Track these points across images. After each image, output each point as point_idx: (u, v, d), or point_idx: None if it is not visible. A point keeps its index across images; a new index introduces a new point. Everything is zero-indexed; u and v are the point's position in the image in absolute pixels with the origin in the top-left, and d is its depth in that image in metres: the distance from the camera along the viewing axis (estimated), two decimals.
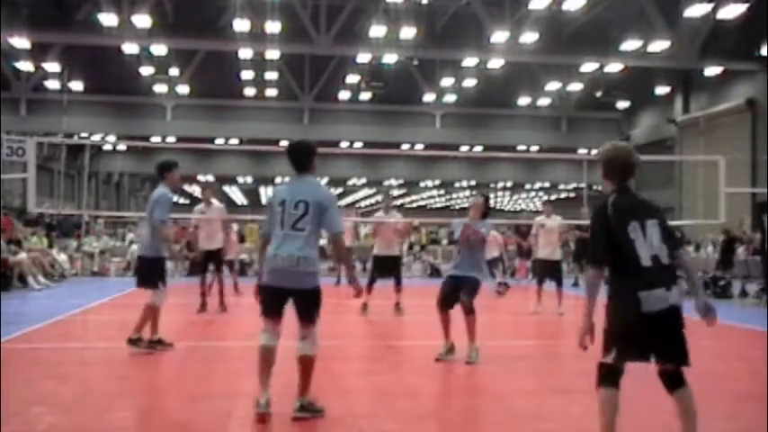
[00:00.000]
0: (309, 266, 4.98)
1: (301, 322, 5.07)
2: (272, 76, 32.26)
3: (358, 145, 37.39)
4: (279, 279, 4.98)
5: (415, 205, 63.55)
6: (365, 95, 33.81)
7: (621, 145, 4.76)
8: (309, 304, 5.08)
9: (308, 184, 5.13)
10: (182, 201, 72.12)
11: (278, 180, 52.95)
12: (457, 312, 7.73)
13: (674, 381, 4.06)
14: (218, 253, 11.85)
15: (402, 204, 65.22)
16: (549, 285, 12.26)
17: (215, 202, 12.26)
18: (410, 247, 24.95)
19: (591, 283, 4.11)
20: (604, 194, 4.27)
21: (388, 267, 12.29)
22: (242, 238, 22.89)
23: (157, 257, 8.04)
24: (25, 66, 29.75)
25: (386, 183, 53.42)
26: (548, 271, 12.43)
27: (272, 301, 5.08)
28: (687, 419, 4.12)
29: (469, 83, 31.26)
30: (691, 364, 4.03)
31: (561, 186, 50.93)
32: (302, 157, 5.24)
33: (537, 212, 66.55)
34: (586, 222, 11.49)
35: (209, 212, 11.86)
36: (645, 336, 3.95)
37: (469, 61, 27.85)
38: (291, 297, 5.02)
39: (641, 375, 4.41)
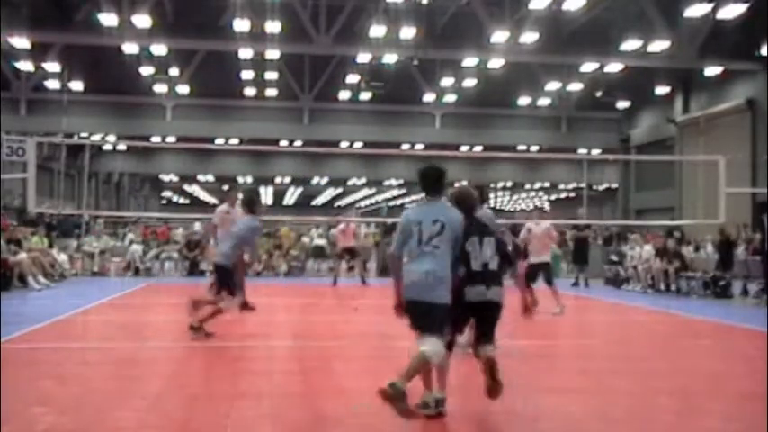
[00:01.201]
0: (443, 282, 5.24)
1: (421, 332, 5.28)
2: (272, 75, 32.24)
3: (358, 145, 37.38)
4: (417, 293, 5.25)
5: (414, 205, 63.54)
6: (365, 95, 33.79)
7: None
8: (439, 316, 5.23)
9: (442, 206, 5.46)
10: (181, 201, 72.40)
11: (278, 180, 53.13)
12: None
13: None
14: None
15: (402, 204, 65.28)
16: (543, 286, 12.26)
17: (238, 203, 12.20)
18: None
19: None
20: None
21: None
22: None
23: (232, 267, 9.31)
24: (25, 66, 29.74)
25: (386, 183, 53.47)
26: (537, 273, 12.38)
27: (416, 314, 5.31)
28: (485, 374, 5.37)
29: (469, 83, 31.25)
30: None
31: (561, 186, 50.97)
32: (436, 182, 5.54)
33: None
34: (583, 222, 11.54)
35: (233, 213, 11.73)
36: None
37: (469, 61, 27.83)
38: (425, 309, 5.22)
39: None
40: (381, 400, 4.83)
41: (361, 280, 18.43)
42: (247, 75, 31.88)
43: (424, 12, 26.20)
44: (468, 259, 5.32)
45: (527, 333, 10.61)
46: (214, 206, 12.68)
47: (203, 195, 67.25)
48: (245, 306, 11.62)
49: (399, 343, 9.32)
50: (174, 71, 31.59)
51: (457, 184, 6.21)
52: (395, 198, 61.70)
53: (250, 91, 34.30)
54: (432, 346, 5.12)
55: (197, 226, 23.85)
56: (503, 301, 5.38)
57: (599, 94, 31.63)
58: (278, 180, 53.64)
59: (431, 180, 5.53)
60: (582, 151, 38.29)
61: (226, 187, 60.17)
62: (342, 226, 19.41)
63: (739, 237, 17.88)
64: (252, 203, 9.65)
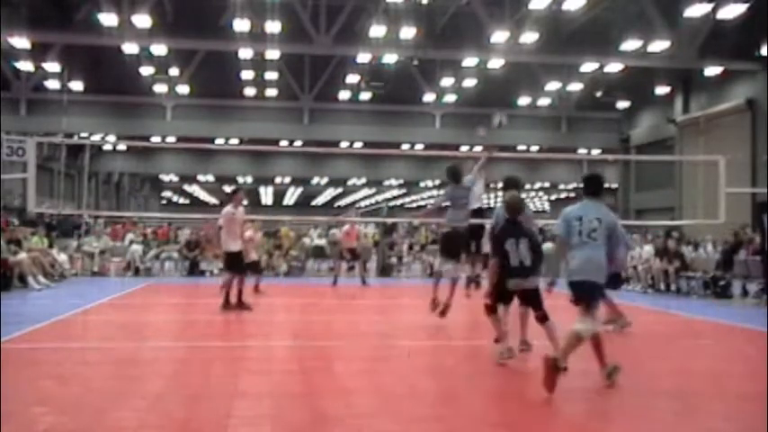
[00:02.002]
0: (600, 267, 6.41)
1: (582, 308, 6.37)
2: (272, 75, 32.23)
3: (358, 145, 37.36)
4: (580, 275, 6.36)
5: (415, 205, 63.58)
6: (365, 95, 33.79)
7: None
8: (594, 293, 6.43)
9: (600, 207, 6.59)
10: (181, 201, 72.39)
11: (278, 180, 53.14)
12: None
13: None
14: (240, 254, 11.93)
15: (403, 204, 65.30)
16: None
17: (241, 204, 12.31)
18: (410, 247, 24.98)
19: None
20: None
21: None
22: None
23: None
24: (25, 66, 29.73)
25: (386, 183, 53.46)
26: None
27: (579, 292, 6.40)
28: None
29: (469, 83, 31.25)
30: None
31: (561, 186, 50.95)
32: (597, 187, 6.71)
33: (539, 212, 66.68)
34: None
35: (237, 214, 11.86)
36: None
37: (469, 61, 27.82)
38: (587, 287, 6.37)
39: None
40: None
41: (362, 280, 18.45)
42: (247, 75, 31.88)
43: (423, 12, 26.20)
44: (509, 256, 6.98)
45: (526, 334, 10.60)
46: (214, 206, 12.72)
47: (203, 195, 67.27)
48: (242, 305, 11.65)
49: (399, 343, 9.34)
50: (174, 71, 31.57)
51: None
52: (395, 198, 61.68)
53: (250, 91, 34.29)
54: (584, 325, 6.21)
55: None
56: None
57: (599, 94, 31.63)
58: (278, 180, 53.66)
59: (595, 185, 6.71)
60: (582, 151, 38.27)
61: (228, 188, 60.54)
62: (347, 227, 19.41)
63: (743, 238, 17.88)
64: None
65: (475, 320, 10.83)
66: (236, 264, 11.75)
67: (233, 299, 11.66)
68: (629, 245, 8.89)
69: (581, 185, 6.88)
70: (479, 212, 11.10)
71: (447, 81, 31.99)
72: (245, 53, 27.30)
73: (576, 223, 6.45)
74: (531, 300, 7.16)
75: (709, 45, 25.40)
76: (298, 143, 37.23)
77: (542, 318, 7.01)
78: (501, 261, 7.11)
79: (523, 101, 35.86)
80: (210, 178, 52.37)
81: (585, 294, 6.34)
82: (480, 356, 8.38)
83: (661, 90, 31.29)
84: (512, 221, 7.23)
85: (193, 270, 21.03)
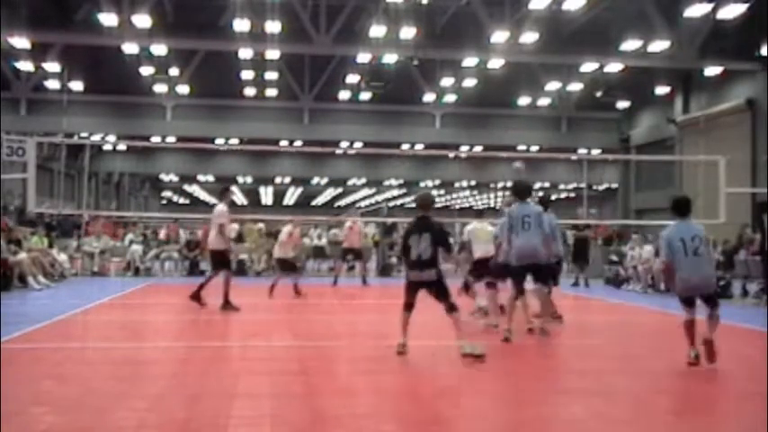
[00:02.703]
0: (712, 277, 7.80)
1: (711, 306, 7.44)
2: (272, 75, 32.22)
3: (358, 145, 37.37)
4: (699, 287, 7.41)
5: (414, 205, 63.60)
6: (365, 95, 33.77)
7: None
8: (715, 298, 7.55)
9: (693, 225, 7.56)
10: (181, 201, 72.38)
11: (278, 180, 53.13)
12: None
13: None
14: (227, 252, 12.16)
15: (403, 204, 65.26)
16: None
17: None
18: None
19: None
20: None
21: None
22: (240, 238, 22.86)
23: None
24: (25, 66, 29.71)
25: (386, 183, 53.45)
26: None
27: (689, 298, 7.46)
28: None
29: (469, 83, 31.24)
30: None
31: (561, 186, 50.93)
32: (687, 208, 7.62)
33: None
34: (582, 222, 11.78)
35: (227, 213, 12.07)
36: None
37: (469, 61, 27.81)
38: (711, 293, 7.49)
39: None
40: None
41: (362, 280, 18.41)
42: (247, 75, 31.87)
43: (423, 12, 26.18)
44: (410, 251, 7.51)
45: (526, 333, 10.60)
46: (214, 206, 12.75)
47: (203, 195, 67.27)
48: (228, 305, 11.72)
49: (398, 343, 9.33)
50: (174, 71, 31.56)
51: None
52: (395, 198, 61.65)
53: (250, 91, 34.28)
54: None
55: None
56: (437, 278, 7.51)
57: (599, 94, 31.60)
58: (278, 180, 53.67)
59: (685, 206, 7.62)
60: (582, 151, 38.26)
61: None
62: (349, 223, 19.19)
63: (745, 239, 17.89)
64: None
65: (471, 320, 10.83)
66: (224, 262, 11.94)
67: (205, 297, 11.82)
68: (555, 236, 10.13)
69: (672, 208, 7.74)
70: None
71: (447, 81, 31.99)
72: (245, 53, 27.29)
73: (678, 245, 7.39)
74: (434, 291, 7.54)
75: (709, 45, 25.40)
76: (298, 143, 37.23)
77: (450, 308, 7.50)
78: (403, 255, 7.82)
79: (523, 101, 35.86)
80: (210, 178, 52.37)
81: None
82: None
83: (661, 90, 31.28)
84: (421, 217, 7.67)
85: (193, 270, 21.02)
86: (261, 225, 23.06)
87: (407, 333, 7.68)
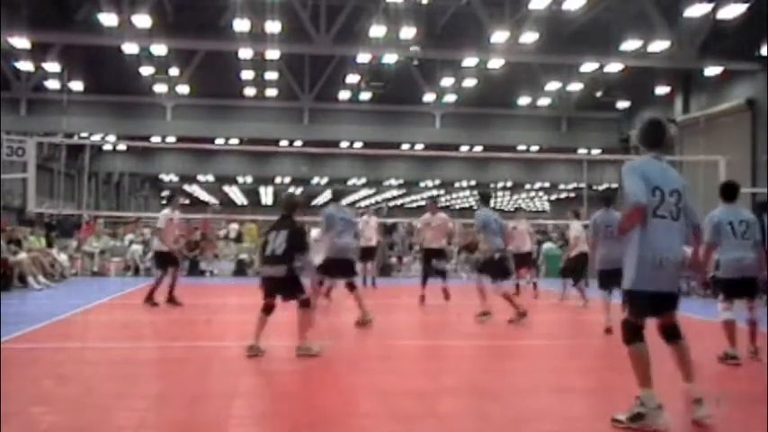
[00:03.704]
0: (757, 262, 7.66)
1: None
2: (271, 75, 32.22)
3: (358, 145, 37.33)
4: (747, 272, 7.51)
5: (415, 205, 63.58)
6: (365, 95, 33.76)
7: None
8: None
9: (743, 210, 7.75)
10: (181, 201, 72.30)
11: (278, 180, 53.10)
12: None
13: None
14: (171, 254, 12.93)
15: (403, 204, 65.28)
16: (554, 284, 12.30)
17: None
18: (410, 248, 24.99)
19: None
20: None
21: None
22: (239, 238, 22.88)
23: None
24: (25, 66, 29.67)
25: (386, 183, 53.44)
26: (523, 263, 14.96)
27: (741, 288, 7.59)
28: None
29: (469, 83, 31.22)
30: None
31: (561, 186, 50.94)
32: (735, 193, 7.77)
33: (539, 212, 66.70)
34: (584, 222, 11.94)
35: (175, 218, 13.10)
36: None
37: (469, 61, 27.79)
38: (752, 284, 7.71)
39: None
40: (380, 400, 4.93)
41: (371, 281, 17.88)
42: (247, 75, 31.86)
43: (423, 11, 26.19)
44: (266, 247, 7.56)
45: (528, 333, 10.61)
46: (213, 206, 13.26)
47: (204, 195, 67.25)
48: (172, 300, 12.45)
49: (399, 342, 9.34)
50: (173, 71, 31.55)
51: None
52: (395, 198, 61.62)
53: (250, 91, 34.28)
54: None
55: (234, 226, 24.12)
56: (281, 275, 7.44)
57: (599, 94, 31.60)
58: (278, 180, 53.64)
59: (732, 191, 7.75)
60: (582, 151, 38.26)
61: (226, 188, 60.53)
62: (365, 218, 17.67)
63: None
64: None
65: (472, 321, 10.84)
66: (168, 261, 12.73)
67: (158, 295, 12.45)
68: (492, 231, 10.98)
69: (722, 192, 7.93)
70: None
71: (447, 81, 31.98)
72: (245, 53, 27.28)
73: (727, 228, 7.52)
74: (281, 288, 7.55)
75: (709, 45, 25.39)
76: (298, 143, 37.22)
77: (301, 303, 7.59)
78: (260, 252, 7.91)
79: (523, 101, 35.84)
80: (210, 178, 52.34)
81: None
82: (478, 355, 8.39)
83: (661, 90, 31.27)
84: (283, 216, 7.81)
85: (193, 270, 21.03)
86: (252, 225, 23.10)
87: (261, 336, 7.54)
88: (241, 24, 23.90)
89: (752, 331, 7.75)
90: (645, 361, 5.02)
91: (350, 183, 55.08)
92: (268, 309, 7.64)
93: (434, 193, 56.70)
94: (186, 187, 63.17)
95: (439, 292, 12.83)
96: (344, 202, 61.50)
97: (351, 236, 10.28)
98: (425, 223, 13.91)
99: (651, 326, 5.12)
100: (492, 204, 11.02)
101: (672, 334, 5.17)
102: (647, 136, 5.45)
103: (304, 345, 7.41)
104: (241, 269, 21.44)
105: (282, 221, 7.76)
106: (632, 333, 5.02)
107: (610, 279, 9.15)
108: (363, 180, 52.93)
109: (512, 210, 17.06)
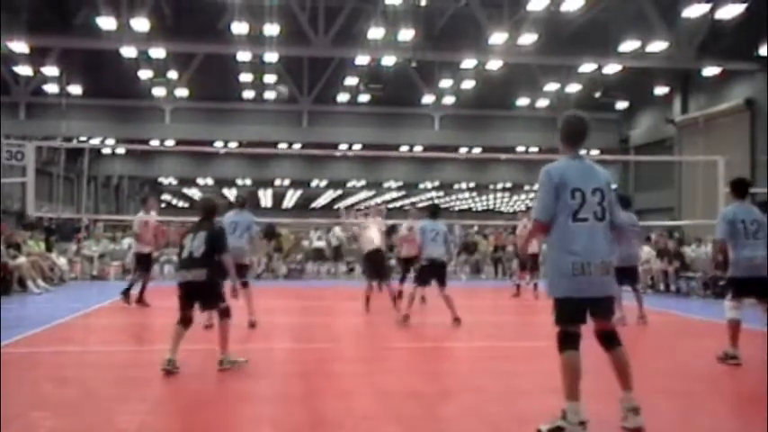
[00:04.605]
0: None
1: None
2: (270, 78, 32.25)
3: (357, 147, 37.37)
4: (754, 268, 7.40)
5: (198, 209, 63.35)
6: (364, 98, 33.79)
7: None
8: None
9: (754, 209, 7.55)
10: (180, 204, 72.30)
11: (277, 182, 53.11)
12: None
13: None
14: (150, 256, 13.64)
15: (402, 206, 65.23)
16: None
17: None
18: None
19: None
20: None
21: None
22: None
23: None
24: (24, 70, 29.73)
25: (385, 185, 53.44)
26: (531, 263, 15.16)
27: (759, 287, 7.62)
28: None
29: (468, 84, 31.26)
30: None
31: None
32: (746, 190, 7.65)
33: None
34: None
35: (150, 220, 13.54)
36: None
37: (468, 63, 27.84)
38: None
39: None
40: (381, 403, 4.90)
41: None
42: (246, 77, 31.88)
43: (422, 13, 26.21)
44: (182, 250, 7.06)
45: (528, 334, 10.61)
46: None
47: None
48: (141, 301, 12.88)
49: (399, 344, 9.34)
50: (172, 74, 31.59)
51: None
52: (394, 200, 61.60)
53: (249, 94, 34.30)
54: None
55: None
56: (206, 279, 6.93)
57: (598, 94, 31.62)
58: (277, 183, 53.65)
59: (745, 187, 7.66)
60: (581, 152, 38.26)
61: (226, 191, 60.47)
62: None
63: None
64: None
65: (472, 322, 10.85)
66: (145, 264, 13.26)
67: (147, 295, 12.88)
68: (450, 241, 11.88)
69: (732, 189, 7.88)
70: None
71: (446, 83, 32.01)
72: (244, 56, 27.30)
73: (740, 226, 7.41)
74: (201, 295, 7.02)
75: (707, 45, 25.41)
76: (297, 146, 37.24)
77: (219, 314, 7.09)
78: (177, 257, 7.44)
79: (522, 102, 35.88)
80: (210, 181, 52.34)
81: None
82: (478, 357, 8.39)
83: (660, 90, 31.30)
84: (203, 219, 7.31)
85: None
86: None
87: (178, 348, 6.84)
88: (239, 27, 23.92)
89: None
90: (574, 371, 4.77)
91: (349, 185, 55.08)
92: (186, 321, 7.01)
93: (434, 194, 56.73)
94: (185, 190, 63.18)
95: (435, 293, 12.72)
96: (344, 203, 61.81)
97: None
98: (405, 233, 14.03)
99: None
100: (437, 217, 11.47)
101: (609, 341, 4.92)
102: (565, 134, 5.16)
103: (227, 357, 6.89)
104: (240, 271, 21.49)
105: (201, 224, 7.24)
106: (563, 340, 4.81)
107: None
108: (363, 182, 52.93)
109: (522, 210, 17.21)
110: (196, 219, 7.53)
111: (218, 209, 7.58)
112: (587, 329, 5.00)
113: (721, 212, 7.62)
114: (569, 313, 4.79)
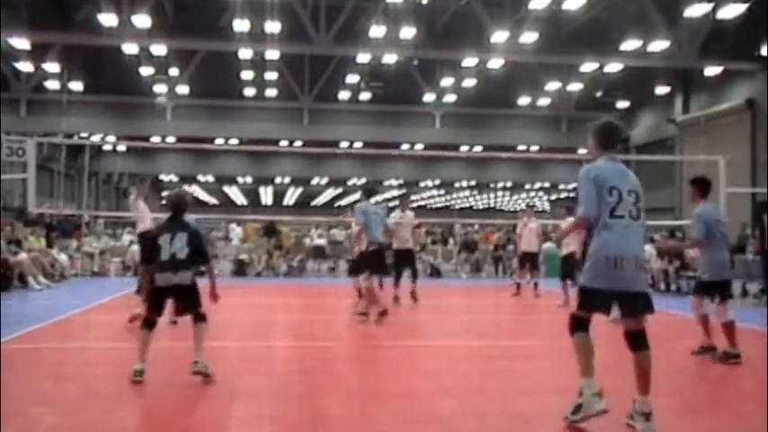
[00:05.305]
0: None
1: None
2: (271, 76, 32.24)
3: (358, 145, 37.38)
4: (728, 272, 7.58)
5: (414, 205, 63.60)
6: (365, 95, 33.78)
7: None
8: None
9: (720, 209, 7.81)
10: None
11: (278, 180, 53.12)
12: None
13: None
14: None
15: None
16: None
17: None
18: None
19: None
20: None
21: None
22: (245, 240, 22.88)
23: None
24: (25, 66, 29.72)
25: (386, 183, 53.45)
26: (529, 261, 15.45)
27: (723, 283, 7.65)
28: None
29: (469, 83, 31.24)
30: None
31: (561, 186, 50.95)
32: (708, 189, 7.65)
33: (539, 212, 66.60)
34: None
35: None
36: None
37: (469, 61, 27.83)
38: None
39: None
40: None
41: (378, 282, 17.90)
42: (247, 75, 31.87)
43: (423, 12, 26.20)
44: (160, 251, 6.59)
45: (528, 333, 10.62)
46: (214, 206, 13.20)
47: (203, 196, 67.26)
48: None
49: (399, 343, 9.34)
50: (173, 71, 31.57)
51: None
52: (395, 198, 61.55)
53: (250, 91, 34.29)
54: None
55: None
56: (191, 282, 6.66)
57: (599, 93, 31.63)
58: (278, 180, 53.67)
59: (710, 186, 7.65)
60: (582, 151, 38.23)
61: (225, 187, 60.48)
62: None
63: (748, 240, 17.94)
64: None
65: (472, 321, 10.84)
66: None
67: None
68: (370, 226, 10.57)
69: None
70: None
71: (447, 81, 32.00)
72: (245, 53, 27.30)
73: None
74: (183, 298, 6.74)
75: (708, 45, 25.41)
76: (297, 143, 37.24)
77: (196, 318, 6.70)
78: (149, 259, 6.82)
79: (523, 101, 35.87)
80: (210, 179, 52.35)
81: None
82: (477, 355, 8.39)
83: (661, 90, 31.30)
84: (173, 218, 6.87)
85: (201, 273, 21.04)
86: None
87: (147, 357, 6.50)
88: (241, 24, 23.92)
89: (730, 332, 7.68)
90: (588, 348, 5.05)
91: (350, 183, 55.10)
92: (153, 324, 6.73)
93: (434, 192, 56.73)
94: (186, 187, 63.16)
95: (435, 291, 12.82)
96: (344, 202, 61.77)
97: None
98: (396, 222, 13.52)
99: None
100: (375, 199, 10.92)
101: (637, 341, 4.97)
102: (602, 138, 5.28)
103: (202, 362, 6.52)
104: (241, 270, 21.46)
105: (175, 223, 6.80)
106: (576, 324, 5.06)
107: None
108: (363, 180, 52.94)
109: (530, 208, 17.24)
110: (166, 216, 7.06)
111: (188, 205, 7.12)
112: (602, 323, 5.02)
113: (697, 213, 7.51)
114: (593, 303, 4.98)
